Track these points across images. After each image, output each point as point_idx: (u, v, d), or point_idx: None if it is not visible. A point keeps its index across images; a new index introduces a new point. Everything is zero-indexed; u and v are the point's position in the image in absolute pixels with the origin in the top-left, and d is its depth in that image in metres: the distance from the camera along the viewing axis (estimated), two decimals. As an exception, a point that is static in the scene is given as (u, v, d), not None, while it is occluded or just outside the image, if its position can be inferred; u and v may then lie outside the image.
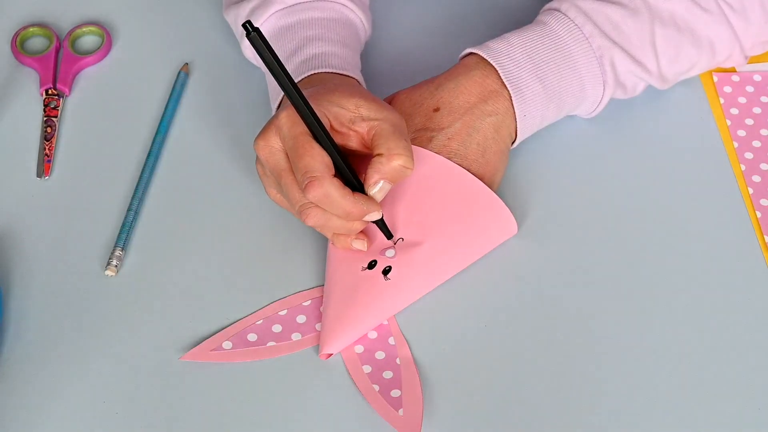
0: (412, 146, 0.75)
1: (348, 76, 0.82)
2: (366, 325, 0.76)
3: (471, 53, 0.82)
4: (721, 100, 0.89)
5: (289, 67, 0.82)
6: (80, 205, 0.84)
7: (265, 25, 0.85)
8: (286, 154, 0.74)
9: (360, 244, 0.77)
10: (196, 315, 0.78)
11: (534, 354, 0.75)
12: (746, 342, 0.76)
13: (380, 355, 0.76)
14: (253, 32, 0.68)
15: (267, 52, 0.69)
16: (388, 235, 0.77)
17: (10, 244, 0.82)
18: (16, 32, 0.94)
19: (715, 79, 0.90)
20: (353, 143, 0.76)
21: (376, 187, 0.74)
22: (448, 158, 0.79)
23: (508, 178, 0.84)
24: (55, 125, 0.89)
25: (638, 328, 0.76)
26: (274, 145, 0.74)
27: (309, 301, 0.78)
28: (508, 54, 0.81)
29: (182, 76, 0.92)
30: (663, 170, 0.85)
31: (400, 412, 0.72)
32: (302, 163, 0.72)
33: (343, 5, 0.86)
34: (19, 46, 0.94)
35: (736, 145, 0.86)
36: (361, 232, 0.78)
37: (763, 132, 0.87)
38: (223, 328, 0.77)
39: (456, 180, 0.78)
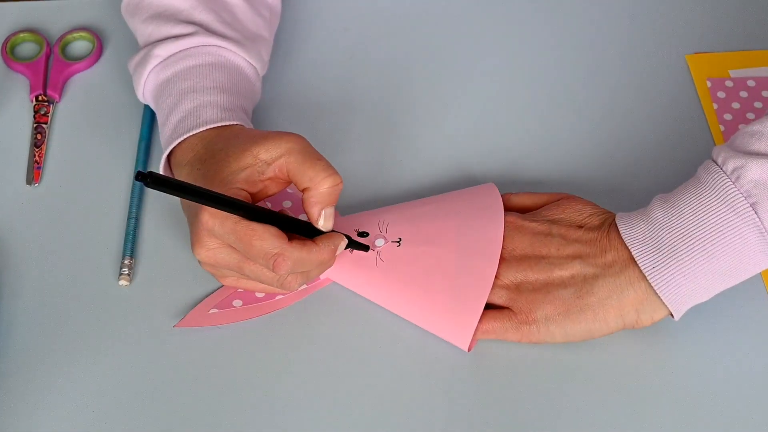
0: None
1: (226, 125, 0.78)
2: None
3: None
4: (715, 106, 0.89)
5: (168, 128, 0.79)
6: (70, 213, 0.84)
7: (147, 84, 0.83)
8: (231, 247, 0.72)
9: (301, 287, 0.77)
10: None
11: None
12: (745, 342, 0.76)
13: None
14: (150, 181, 0.63)
15: (170, 190, 0.66)
16: (365, 248, 0.77)
17: (0, 252, 0.81)
18: (6, 38, 0.94)
19: (709, 84, 0.90)
20: (274, 188, 0.74)
21: (322, 219, 0.73)
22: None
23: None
24: (45, 132, 0.88)
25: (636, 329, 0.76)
26: (212, 246, 0.72)
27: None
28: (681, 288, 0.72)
29: (173, 82, 0.91)
30: (655, 176, 0.85)
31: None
32: (255, 250, 0.70)
33: (220, 47, 0.82)
34: (9, 52, 0.93)
35: (729, 150, 0.86)
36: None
37: (757, 137, 0.87)
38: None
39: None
